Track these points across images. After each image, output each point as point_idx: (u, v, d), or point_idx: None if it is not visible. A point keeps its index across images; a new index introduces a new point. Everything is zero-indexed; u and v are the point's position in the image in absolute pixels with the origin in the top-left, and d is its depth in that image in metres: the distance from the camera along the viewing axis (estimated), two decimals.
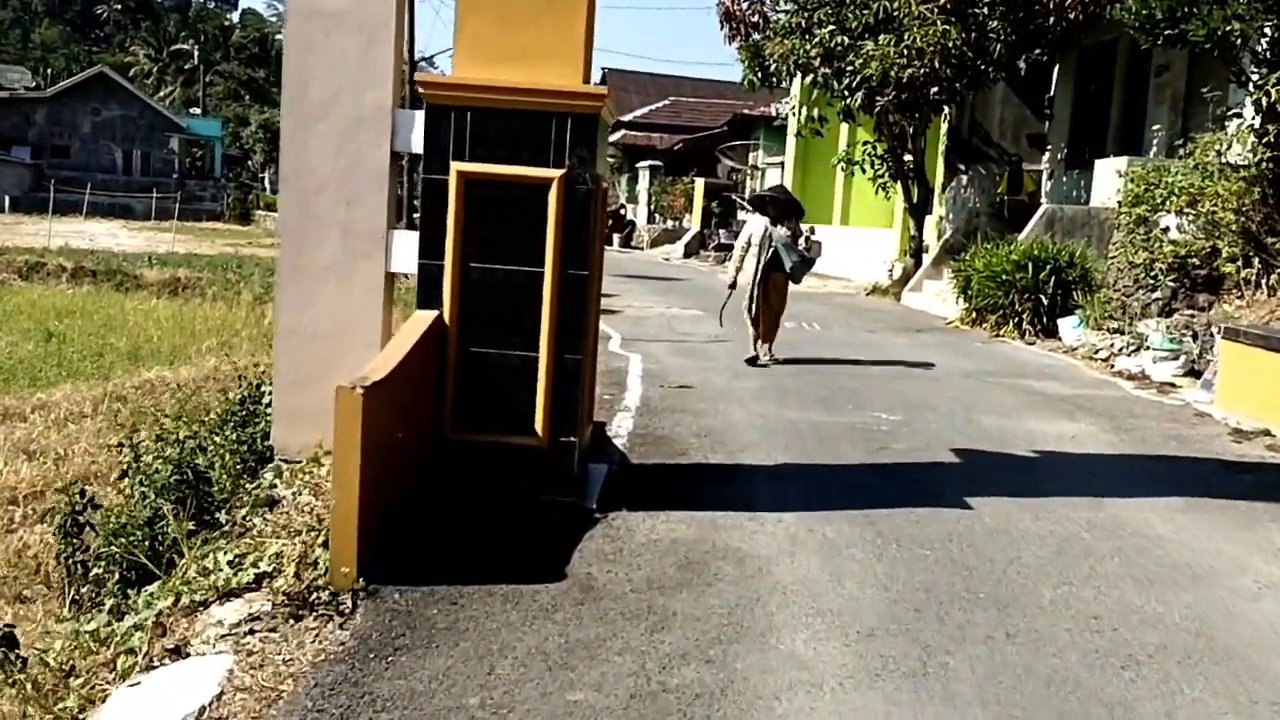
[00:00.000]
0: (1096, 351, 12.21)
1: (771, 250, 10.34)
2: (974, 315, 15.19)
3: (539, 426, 5.23)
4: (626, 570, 4.53)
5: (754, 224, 10.65)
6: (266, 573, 4.27)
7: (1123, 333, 12.79)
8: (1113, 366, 11.56)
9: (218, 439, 6.17)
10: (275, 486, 5.28)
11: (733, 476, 6.18)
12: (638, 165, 41.35)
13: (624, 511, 5.28)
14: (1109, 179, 16.18)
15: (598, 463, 6.13)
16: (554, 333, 5.18)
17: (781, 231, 10.40)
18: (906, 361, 11.39)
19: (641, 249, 36.19)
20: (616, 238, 36.80)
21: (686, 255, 32.56)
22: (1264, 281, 13.65)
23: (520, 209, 5.17)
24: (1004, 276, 14.48)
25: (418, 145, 5.30)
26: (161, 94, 67.65)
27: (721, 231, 32.01)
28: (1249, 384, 8.87)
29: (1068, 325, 13.59)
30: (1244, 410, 8.75)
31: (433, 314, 5.19)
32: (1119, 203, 14.97)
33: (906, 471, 6.52)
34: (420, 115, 5.28)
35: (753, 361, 10.51)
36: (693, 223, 34.49)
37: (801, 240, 10.64)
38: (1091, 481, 6.48)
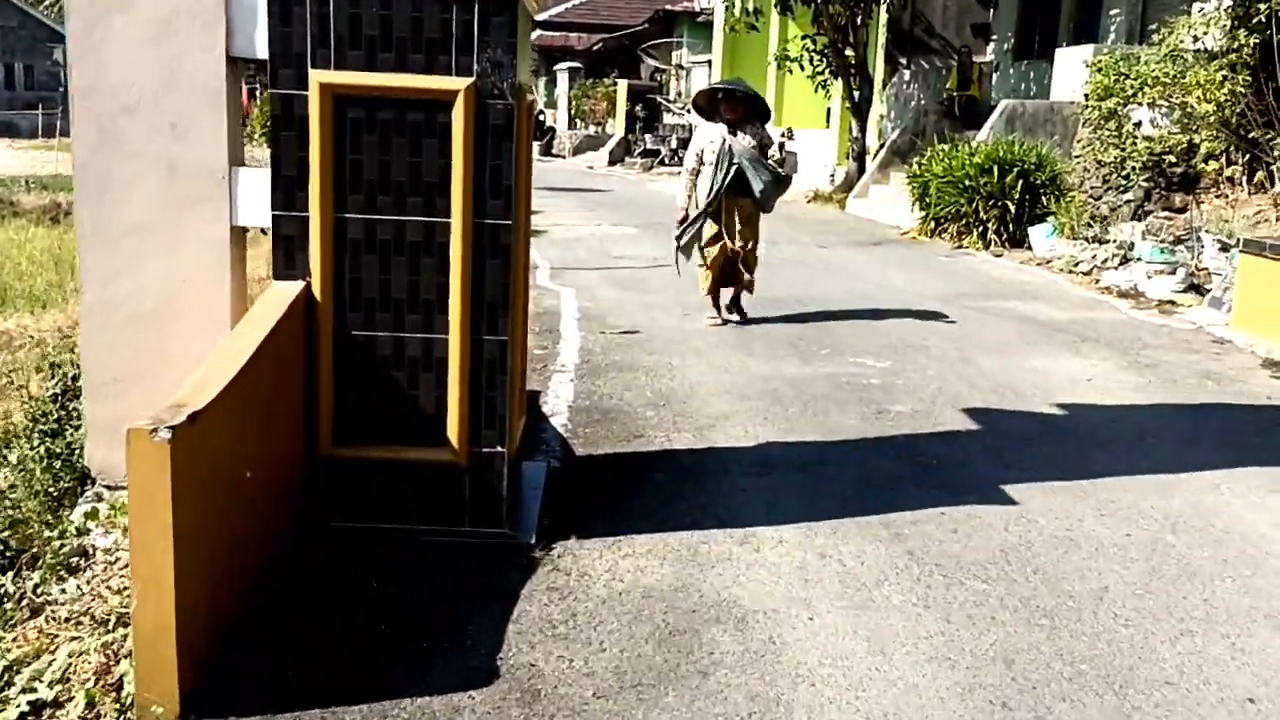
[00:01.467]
0: (1076, 264, 11.04)
1: (733, 168, 7.56)
2: (932, 224, 13.94)
3: (452, 435, 3.80)
4: (585, 654, 3.17)
5: (704, 133, 7.87)
6: (45, 702, 2.84)
7: (1102, 241, 11.65)
8: (1098, 281, 10.41)
9: (24, 446, 4.64)
10: (88, 532, 3.81)
11: (707, 469, 4.83)
12: (555, 68, 39.13)
13: (573, 541, 3.92)
14: (1073, 70, 14.91)
15: (533, 458, 4.75)
16: (467, 307, 3.73)
17: (744, 141, 7.64)
18: (872, 285, 10.09)
19: (564, 157, 34.29)
20: (537, 146, 34.81)
21: (611, 163, 30.82)
22: (1246, 179, 12.59)
23: (413, 136, 3.66)
24: (966, 182, 13.20)
25: (263, 47, 3.74)
26: (46, 1, 62.81)
27: (647, 136, 30.27)
28: (1274, 305, 7.75)
29: (1039, 234, 12.41)
30: (1272, 335, 7.64)
31: (296, 286, 3.70)
32: (1085, 96, 13.73)
33: (919, 446, 5.24)
34: (263, 2, 3.72)
35: (718, 322, 8.00)
36: (616, 128, 32.63)
37: (773, 151, 7.82)
38: (1144, 449, 5.27)
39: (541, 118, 36.99)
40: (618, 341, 7.35)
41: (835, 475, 4.82)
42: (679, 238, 7.88)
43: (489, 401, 3.82)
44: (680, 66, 32.72)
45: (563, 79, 37.80)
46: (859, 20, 17.86)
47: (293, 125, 3.65)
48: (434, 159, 3.67)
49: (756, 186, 7.63)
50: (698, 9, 31.10)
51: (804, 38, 19.38)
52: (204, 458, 2.84)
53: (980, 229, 13.11)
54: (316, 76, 3.61)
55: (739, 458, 5.00)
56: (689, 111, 30.69)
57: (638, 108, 31.60)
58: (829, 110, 23.45)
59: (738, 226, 7.79)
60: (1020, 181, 12.96)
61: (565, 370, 6.47)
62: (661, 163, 28.51)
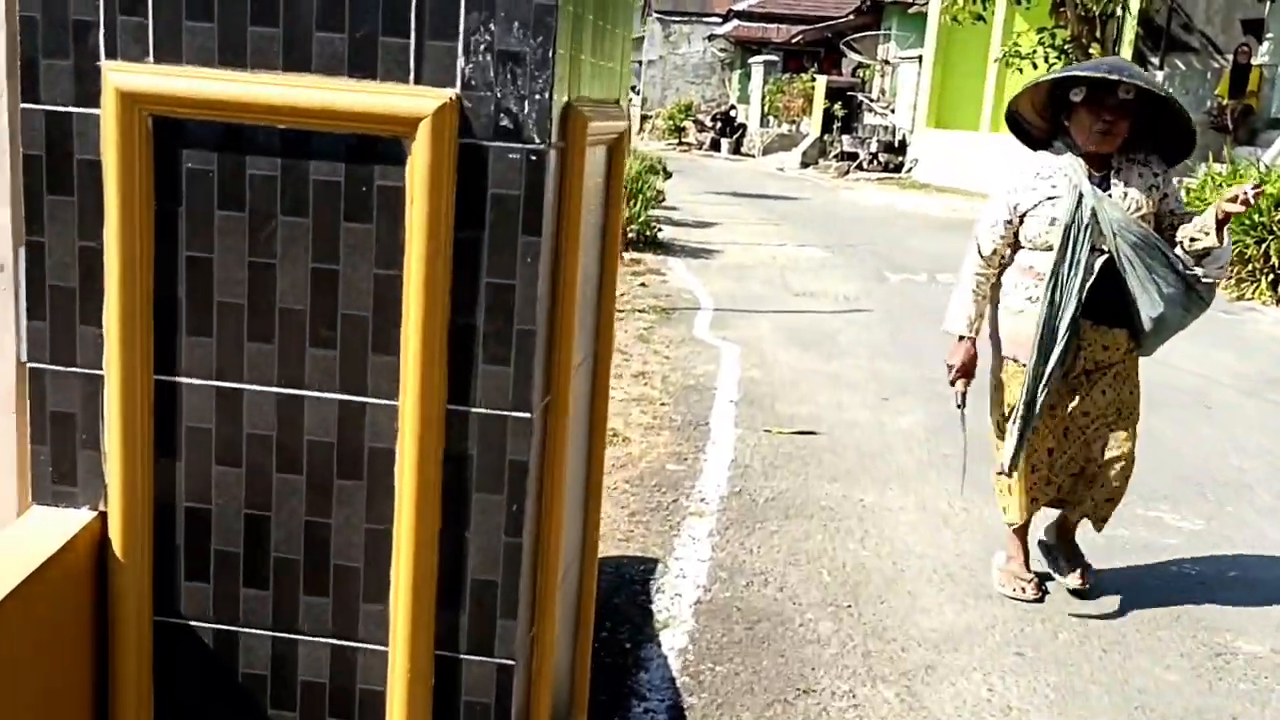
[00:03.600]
0: None
1: (1096, 260, 3.40)
2: None
3: None
4: None
5: (1022, 176, 3.51)
6: None
7: None
8: None
9: None
10: None
11: None
12: (750, 61, 36.91)
13: None
14: None
15: None
16: (414, 615, 1.70)
17: (1129, 199, 3.41)
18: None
19: (753, 156, 32.08)
20: (725, 143, 32.81)
21: (804, 165, 28.42)
22: None
23: (324, 214, 1.65)
24: (1255, 216, 10.38)
25: None
26: None
27: (845, 138, 27.73)
28: None
29: None
30: None
31: (76, 521, 1.75)
32: None
33: None
34: None
35: (1026, 587, 3.75)
36: (812, 127, 30.19)
37: (1192, 232, 3.40)
38: None
39: (733, 113, 34.93)
40: (786, 452, 5.20)
41: None
42: (961, 396, 3.74)
43: None
44: (886, 62, 30.00)
45: (757, 73, 35.60)
46: (1111, 10, 14.98)
47: (65, 179, 1.69)
48: (361, 266, 1.65)
49: (1149, 308, 3.39)
50: None
51: (1040, 31, 16.57)
52: None
53: (1272, 277, 10.27)
54: (116, 78, 1.63)
55: None
56: (892, 112, 28.10)
57: (836, 106, 29.10)
58: None
59: (1099, 389, 3.54)
60: None
61: (703, 514, 4.35)
62: (859, 167, 25.97)
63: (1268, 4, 17.85)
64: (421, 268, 1.61)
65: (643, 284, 9.75)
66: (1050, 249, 3.40)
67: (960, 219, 17.30)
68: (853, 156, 26.58)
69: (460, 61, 1.58)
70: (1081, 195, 3.38)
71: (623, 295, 9.00)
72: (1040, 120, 3.57)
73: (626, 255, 10.99)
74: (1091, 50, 15.71)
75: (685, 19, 42.42)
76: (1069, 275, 3.38)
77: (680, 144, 34.99)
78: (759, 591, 3.70)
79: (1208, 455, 5.50)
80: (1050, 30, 16.28)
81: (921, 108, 25.31)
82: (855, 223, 15.90)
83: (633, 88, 42.53)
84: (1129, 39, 17.80)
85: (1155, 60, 18.58)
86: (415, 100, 1.58)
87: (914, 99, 26.11)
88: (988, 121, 22.54)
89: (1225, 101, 14.90)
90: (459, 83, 1.59)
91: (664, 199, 13.47)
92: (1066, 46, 15.96)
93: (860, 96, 30.04)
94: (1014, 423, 3.54)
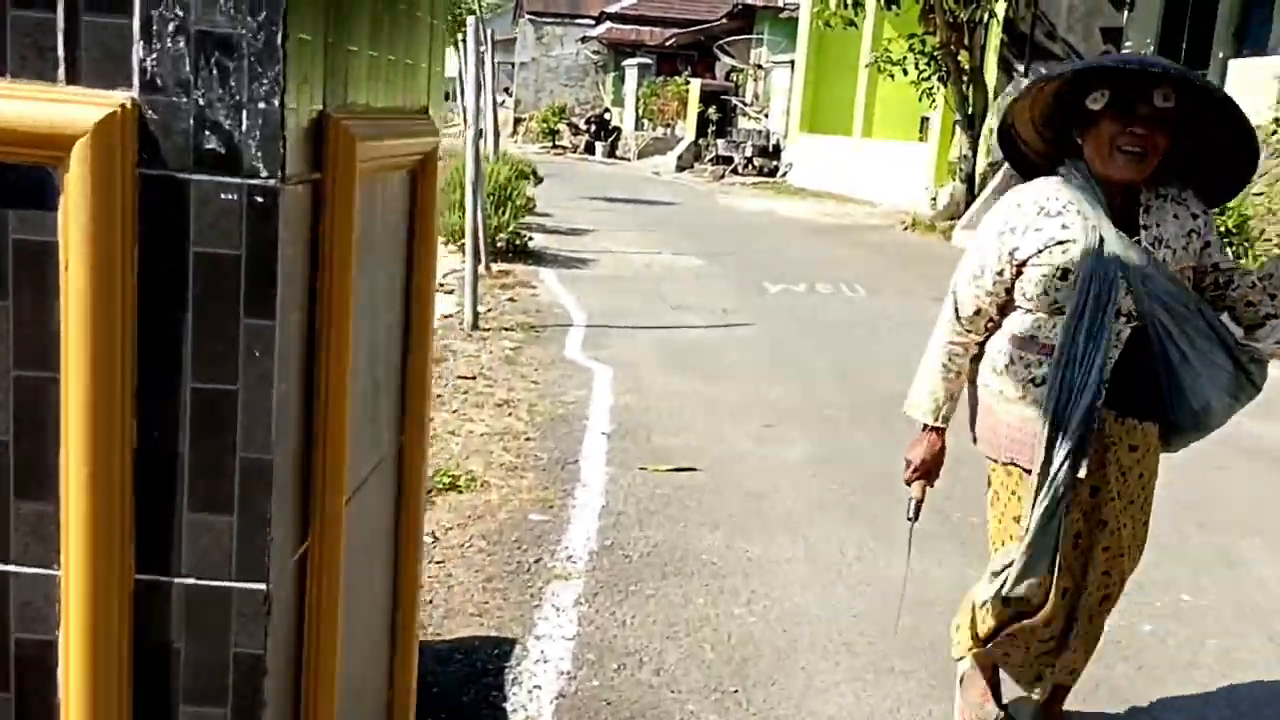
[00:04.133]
0: None
1: (1121, 329, 2.50)
2: None
3: None
4: None
5: (1019, 209, 2.56)
6: None
7: None
8: None
9: None
10: None
11: None
12: (624, 64, 36.56)
13: None
14: (1253, 86, 12.00)
15: None
16: None
17: (1169, 241, 2.52)
18: None
19: (628, 159, 31.72)
20: (600, 147, 32.39)
21: (679, 169, 28.17)
22: None
23: None
24: None
25: None
26: None
27: (720, 141, 27.55)
28: None
29: None
30: None
31: None
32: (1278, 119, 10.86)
33: None
34: None
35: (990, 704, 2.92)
36: (687, 131, 29.97)
37: (1261, 294, 2.54)
38: None
39: (607, 116, 34.51)
40: (664, 494, 4.70)
41: None
42: (915, 505, 2.79)
43: None
44: (759, 66, 29.96)
45: (631, 76, 35.27)
46: (979, 17, 15.00)
47: None
48: None
49: (1193, 396, 2.55)
50: (782, 3, 28.38)
51: (910, 37, 16.53)
52: None
53: None
54: None
55: None
56: (766, 116, 28.03)
57: (711, 109, 28.94)
58: (924, 121, 20.60)
59: (1112, 506, 2.61)
60: None
61: (569, 576, 3.81)
62: (735, 171, 25.81)
63: (1125, 13, 18.26)
64: (86, 366, 1.03)
65: (511, 299, 9.17)
66: (1061, 312, 2.47)
67: (836, 224, 17.16)
68: (728, 160, 26.40)
69: (138, 49, 1.02)
70: (1103, 239, 2.45)
71: (489, 311, 8.41)
72: (1039, 138, 2.64)
73: (495, 267, 10.39)
74: (960, 58, 15.72)
75: (558, 20, 41.87)
76: (1087, 349, 2.44)
77: (555, 147, 34.44)
78: (632, 677, 3.18)
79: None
80: (920, 36, 16.25)
81: (795, 112, 25.28)
82: (732, 229, 15.60)
83: (506, 89, 41.76)
84: (994, 45, 17.96)
85: (1021, 67, 18.81)
86: (66, 109, 1.01)
87: (787, 103, 26.07)
88: (860, 126, 22.60)
89: None
90: (136, 82, 1.02)
91: (534, 206, 12.90)
92: (936, 53, 15.93)
93: (734, 100, 29.95)
94: (1023, 554, 2.55)
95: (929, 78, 16.42)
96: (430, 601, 3.52)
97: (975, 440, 2.74)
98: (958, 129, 16.92)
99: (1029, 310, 2.55)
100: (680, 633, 3.45)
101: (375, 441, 1.45)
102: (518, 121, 39.73)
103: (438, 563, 3.84)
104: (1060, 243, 2.47)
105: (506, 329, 7.92)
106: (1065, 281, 2.46)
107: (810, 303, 9.82)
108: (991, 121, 18.24)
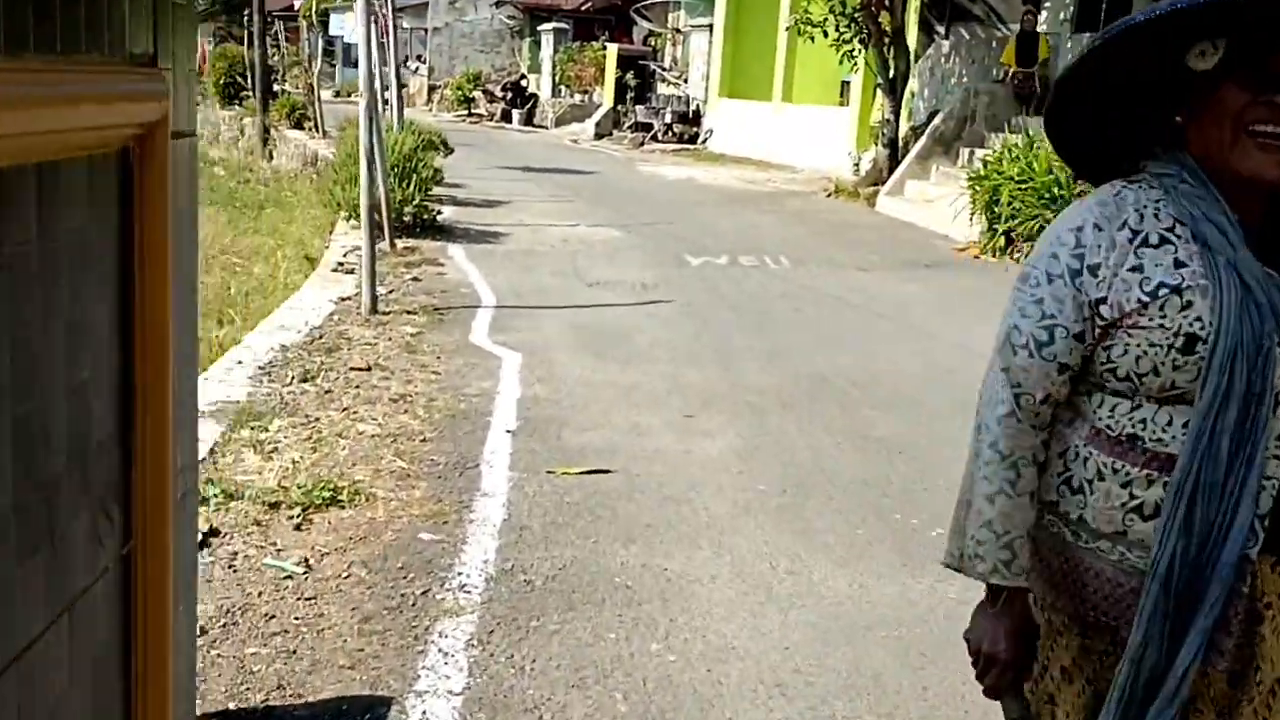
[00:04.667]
0: None
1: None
2: (1002, 240, 10.83)
3: None
4: None
5: (1131, 225, 1.53)
6: None
7: None
8: None
9: None
10: None
11: None
12: (540, 29, 35.65)
13: None
14: None
15: None
16: None
17: None
18: (958, 354, 6.92)
19: (546, 127, 30.94)
20: (517, 114, 31.54)
21: (598, 136, 27.51)
22: None
23: None
24: (1055, 190, 10.10)
25: None
26: None
27: (639, 108, 26.92)
28: None
29: None
30: None
31: None
32: None
33: None
34: None
35: None
36: (605, 97, 29.27)
37: None
38: None
39: (524, 83, 33.64)
40: (574, 502, 4.21)
41: None
42: (1022, 711, 1.67)
43: None
44: (678, 30, 29.35)
45: (547, 41, 34.42)
46: None
47: None
48: None
49: None
50: None
51: None
52: None
53: None
54: None
55: None
56: (685, 82, 27.45)
57: (629, 75, 28.26)
58: (845, 84, 20.25)
59: (1264, 701, 1.55)
60: None
61: (461, 611, 3.31)
62: (654, 138, 25.24)
63: None
64: None
65: (415, 278, 8.58)
66: (1182, 400, 1.52)
67: (758, 191, 16.75)
68: (647, 127, 25.81)
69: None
70: (1245, 283, 1.49)
71: (390, 293, 7.84)
72: (1096, 121, 1.67)
73: (400, 243, 9.78)
74: (880, 19, 15.34)
75: None
76: (1234, 466, 1.48)
77: (470, 115, 33.49)
78: None
79: None
80: None
81: (714, 78, 24.77)
82: (652, 199, 15.10)
83: (419, 57, 40.54)
84: (915, 6, 17.64)
85: (941, 30, 18.55)
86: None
87: (706, 69, 25.54)
88: (780, 91, 22.19)
89: (1013, 69, 14.79)
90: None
91: (442, 178, 12.23)
92: (856, 15, 15.53)
93: (653, 65, 29.31)
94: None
95: (849, 40, 16.02)
96: (294, 652, 3.00)
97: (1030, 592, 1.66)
98: (879, 92, 16.57)
99: (1117, 392, 1.57)
100: (589, 678, 2.98)
101: (57, 581, 0.94)
102: (432, 89, 38.61)
103: (308, 599, 3.32)
104: (1176, 290, 1.51)
105: (409, 312, 7.36)
106: (1190, 355, 1.49)
107: (733, 275, 9.39)
108: (913, 84, 17.97)
